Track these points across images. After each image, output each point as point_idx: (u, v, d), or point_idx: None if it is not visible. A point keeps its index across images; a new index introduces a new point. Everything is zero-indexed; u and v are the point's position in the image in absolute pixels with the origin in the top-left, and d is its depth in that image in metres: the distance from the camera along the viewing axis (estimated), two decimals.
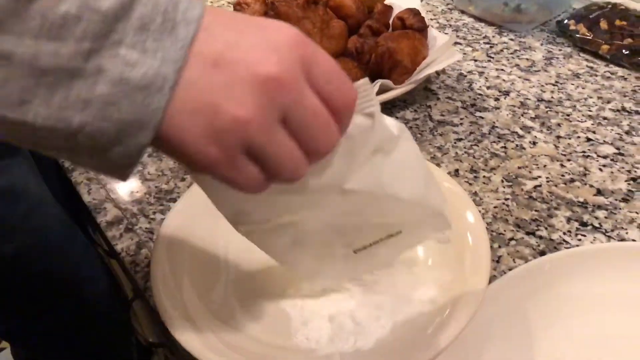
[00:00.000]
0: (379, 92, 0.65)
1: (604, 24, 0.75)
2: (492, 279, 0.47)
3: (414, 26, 0.67)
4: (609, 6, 0.79)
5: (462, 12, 0.88)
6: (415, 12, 0.69)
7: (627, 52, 0.71)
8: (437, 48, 0.66)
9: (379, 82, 0.65)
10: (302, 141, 0.29)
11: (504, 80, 0.73)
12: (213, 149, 0.27)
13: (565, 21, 0.78)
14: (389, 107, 0.68)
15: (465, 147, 0.63)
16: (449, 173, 0.59)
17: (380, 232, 0.40)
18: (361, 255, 0.42)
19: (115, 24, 0.24)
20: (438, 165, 0.60)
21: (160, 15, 0.25)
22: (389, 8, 0.72)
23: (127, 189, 0.61)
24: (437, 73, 0.73)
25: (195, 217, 0.52)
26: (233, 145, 0.27)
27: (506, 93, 0.70)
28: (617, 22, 0.75)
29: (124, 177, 0.29)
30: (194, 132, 0.27)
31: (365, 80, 0.32)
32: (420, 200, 0.38)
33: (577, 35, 0.76)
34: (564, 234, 0.52)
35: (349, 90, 0.30)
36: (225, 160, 0.28)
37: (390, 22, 0.71)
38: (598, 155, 0.60)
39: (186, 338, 0.40)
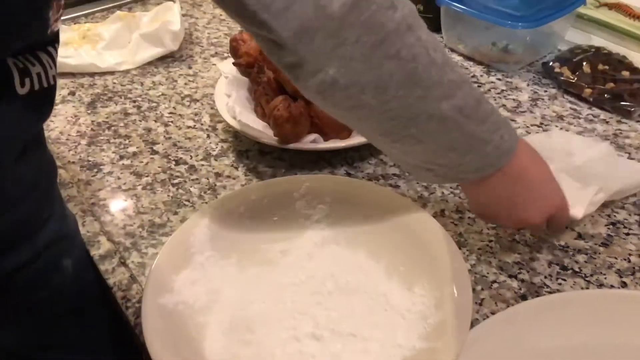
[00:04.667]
0: None
1: (587, 68, 0.77)
2: (474, 322, 0.48)
3: None
4: (593, 50, 0.81)
5: (452, 50, 0.90)
6: None
7: (609, 96, 0.74)
8: None
9: None
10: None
11: None
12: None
13: (551, 63, 0.81)
14: None
15: (451, 187, 0.64)
16: (434, 213, 0.61)
17: None
18: None
19: (503, 121, 0.46)
20: (424, 205, 0.62)
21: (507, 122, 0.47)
22: None
23: (120, 222, 0.62)
24: None
25: (186, 256, 0.53)
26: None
27: None
28: (600, 67, 0.77)
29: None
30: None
31: None
32: None
33: (562, 78, 0.78)
34: (545, 277, 0.53)
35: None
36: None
37: None
38: None
39: None
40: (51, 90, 0.46)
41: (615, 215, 0.60)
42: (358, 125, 0.48)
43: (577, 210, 0.55)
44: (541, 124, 0.74)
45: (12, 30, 0.39)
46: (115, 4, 1.09)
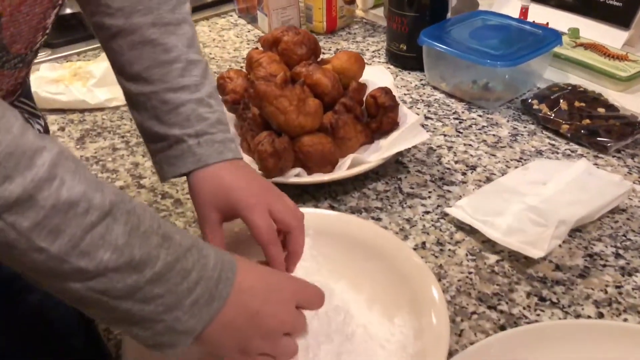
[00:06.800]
0: (352, 166, 0.68)
1: (564, 105, 0.80)
2: (453, 352, 0.49)
3: (385, 104, 0.72)
4: (569, 88, 0.84)
5: (435, 88, 0.93)
6: (386, 91, 0.73)
7: (585, 132, 0.76)
8: (407, 127, 0.70)
9: (351, 157, 0.68)
10: None
11: (471, 155, 0.77)
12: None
13: (529, 100, 0.83)
14: (361, 179, 0.72)
15: (432, 220, 0.66)
16: (416, 245, 0.62)
17: None
18: None
19: (182, 301, 0.39)
20: (406, 237, 0.63)
21: (208, 293, 0.40)
22: (363, 86, 0.76)
23: None
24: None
25: None
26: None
27: (473, 168, 0.74)
28: (576, 103, 0.80)
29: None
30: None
31: None
32: None
33: (540, 115, 0.80)
34: (524, 308, 0.54)
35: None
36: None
37: (364, 99, 0.76)
38: None
39: None
40: None
41: (592, 247, 0.61)
42: None
43: (538, 250, 0.57)
44: (520, 158, 0.76)
45: None
46: None
